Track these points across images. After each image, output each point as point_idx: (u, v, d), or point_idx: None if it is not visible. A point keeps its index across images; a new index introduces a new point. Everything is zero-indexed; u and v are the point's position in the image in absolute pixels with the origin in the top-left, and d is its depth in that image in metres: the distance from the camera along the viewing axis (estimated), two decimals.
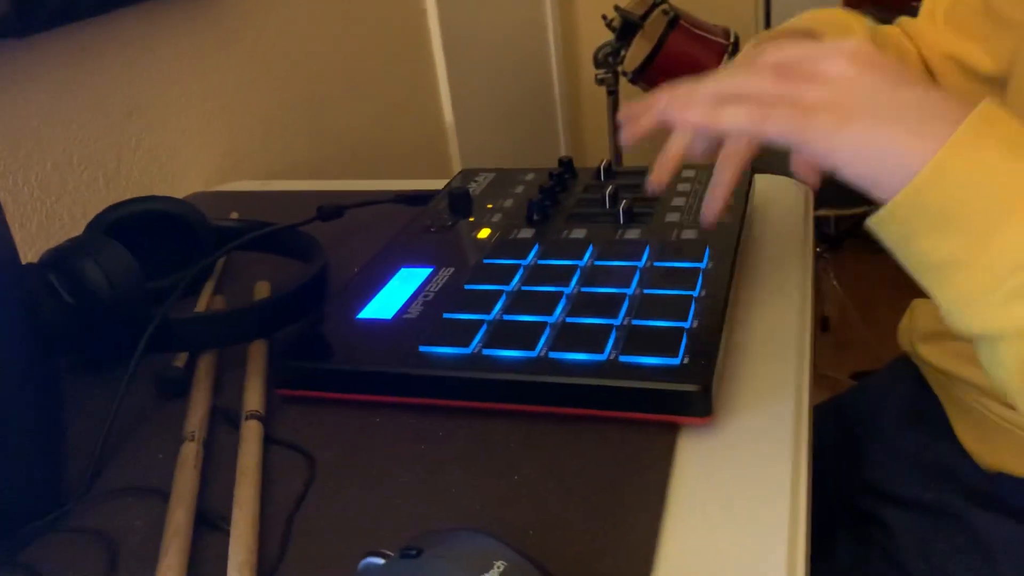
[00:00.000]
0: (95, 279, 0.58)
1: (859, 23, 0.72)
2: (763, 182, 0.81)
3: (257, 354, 0.61)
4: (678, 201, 0.71)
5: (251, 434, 0.52)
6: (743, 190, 0.71)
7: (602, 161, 0.79)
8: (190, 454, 0.51)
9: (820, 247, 2.24)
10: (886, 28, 0.78)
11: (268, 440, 0.53)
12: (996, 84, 0.68)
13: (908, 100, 0.42)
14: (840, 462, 0.77)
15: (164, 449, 0.53)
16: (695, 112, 0.45)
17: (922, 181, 0.39)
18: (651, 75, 1.83)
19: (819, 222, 2.19)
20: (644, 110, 0.51)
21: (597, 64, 1.85)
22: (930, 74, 0.74)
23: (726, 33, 1.82)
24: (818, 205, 0.93)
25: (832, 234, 2.24)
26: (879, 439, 0.77)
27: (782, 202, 0.78)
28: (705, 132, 0.46)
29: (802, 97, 0.42)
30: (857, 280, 2.18)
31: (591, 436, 0.50)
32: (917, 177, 0.39)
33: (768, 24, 2.41)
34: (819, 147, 0.42)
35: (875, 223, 0.42)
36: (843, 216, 2.23)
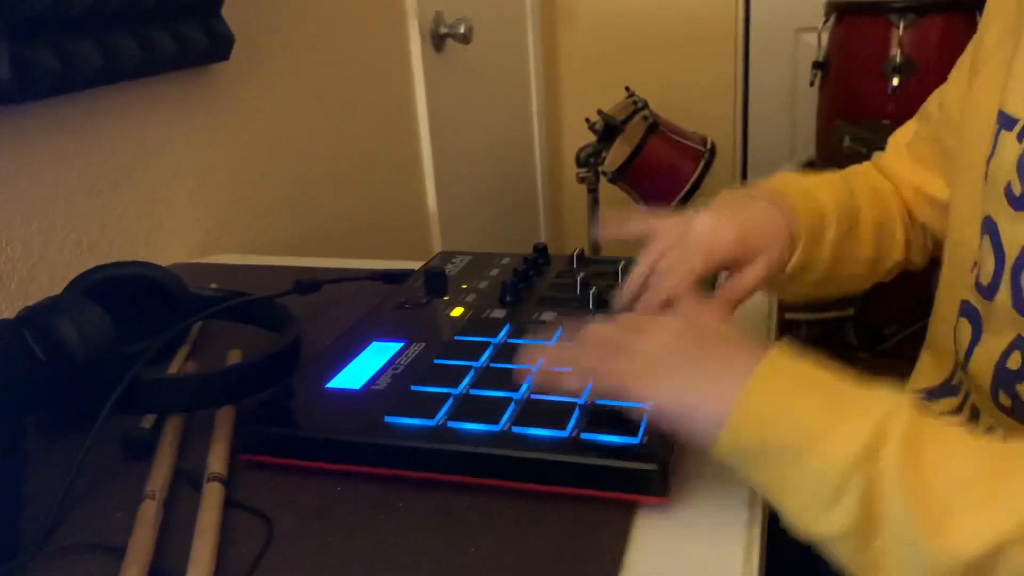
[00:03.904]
0: (69, 338, 0.59)
1: (822, 187, 0.73)
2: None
3: (224, 419, 0.61)
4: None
5: (211, 495, 0.52)
6: (708, 283, 0.73)
7: (576, 249, 0.82)
8: (149, 512, 0.51)
9: None
10: (858, 168, 0.82)
11: (229, 503, 0.53)
12: None
13: (709, 356, 0.50)
14: (796, 559, 0.77)
15: (124, 508, 0.53)
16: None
17: (728, 430, 0.46)
18: (630, 176, 1.89)
19: (790, 326, 2.23)
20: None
21: (579, 164, 1.91)
22: (905, 205, 0.78)
23: (703, 140, 1.89)
24: (789, 309, 0.96)
25: (804, 338, 2.28)
26: None
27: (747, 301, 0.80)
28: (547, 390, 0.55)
29: (623, 362, 0.51)
30: None
31: (550, 512, 0.50)
32: (723, 427, 0.46)
33: (745, 130, 2.50)
34: (641, 399, 0.50)
35: (713, 456, 0.48)
36: (813, 321, 2.27)
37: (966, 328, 0.64)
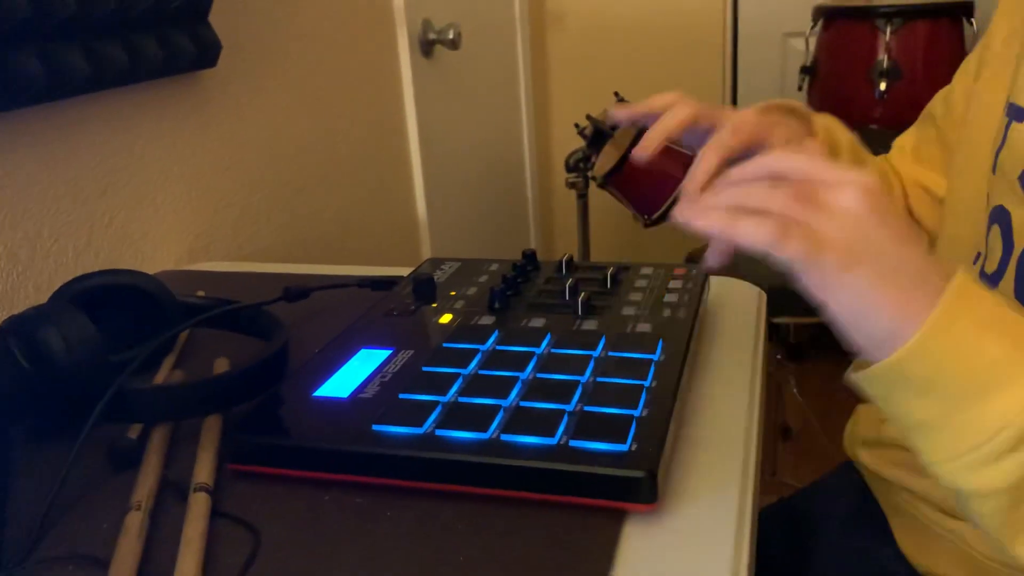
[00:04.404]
0: (54, 346, 0.59)
1: (842, 131, 0.75)
2: (718, 284, 0.83)
3: (211, 428, 0.61)
4: (635, 296, 0.73)
5: (198, 506, 0.52)
6: (697, 289, 0.73)
7: (564, 255, 0.82)
8: (134, 523, 0.50)
9: (780, 354, 2.27)
10: (878, 159, 0.83)
11: (215, 513, 0.53)
12: None
13: (905, 259, 0.44)
14: (787, 564, 0.77)
15: (110, 519, 0.53)
16: (714, 218, 0.47)
17: (907, 353, 0.42)
18: (619, 181, 1.88)
19: (778, 328, 2.23)
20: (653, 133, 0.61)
21: (568, 169, 1.91)
22: (907, 200, 0.80)
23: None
24: (776, 312, 0.97)
25: (791, 342, 2.28)
26: (824, 542, 0.77)
27: (736, 304, 0.81)
28: (721, 239, 0.47)
29: (817, 226, 0.44)
30: (819, 389, 2.21)
31: (538, 521, 0.50)
32: (902, 349, 0.42)
33: None
34: (821, 282, 0.44)
35: (861, 380, 0.44)
36: (801, 324, 2.28)
37: None
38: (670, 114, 0.60)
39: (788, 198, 0.45)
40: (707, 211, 0.47)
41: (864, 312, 0.44)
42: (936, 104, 0.78)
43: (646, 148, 0.58)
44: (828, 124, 0.73)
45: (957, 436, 0.41)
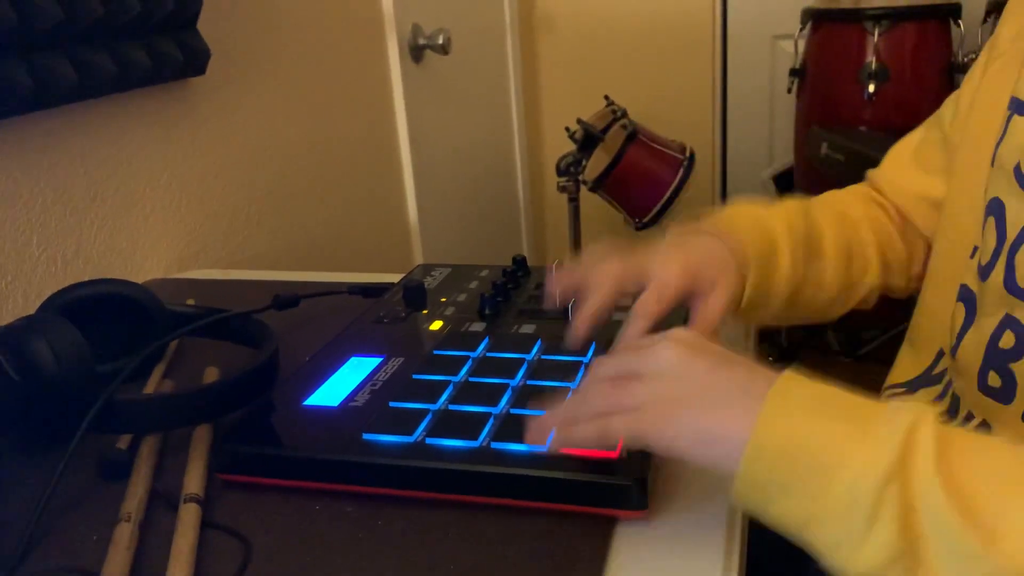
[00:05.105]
0: (43, 357, 0.59)
1: (774, 216, 0.72)
2: None
3: (201, 438, 0.61)
4: (625, 302, 0.73)
5: (188, 517, 0.52)
6: (681, 321, 0.73)
7: (555, 260, 0.82)
8: (124, 535, 0.50)
9: (772, 355, 2.27)
10: (826, 196, 0.81)
11: (206, 524, 0.53)
12: None
13: (725, 382, 0.47)
14: (779, 569, 0.77)
15: (100, 530, 0.52)
16: (557, 439, 0.51)
17: (747, 460, 0.44)
18: (610, 184, 1.89)
19: (770, 330, 2.24)
20: None
21: (560, 173, 1.91)
22: (902, 216, 0.79)
23: (682, 148, 1.90)
24: None
25: (783, 344, 2.29)
26: None
27: None
28: (569, 445, 0.51)
29: (632, 400, 0.48)
30: None
31: (529, 528, 0.50)
32: (743, 457, 0.44)
33: (724, 137, 2.52)
34: (658, 441, 0.47)
35: (735, 499, 0.46)
36: (793, 326, 2.28)
37: (960, 313, 0.64)
38: (592, 297, 0.61)
39: (605, 389, 0.50)
40: (548, 433, 0.51)
41: (707, 443, 0.46)
42: (946, 107, 0.77)
43: (577, 338, 0.61)
44: (756, 219, 0.70)
45: (831, 523, 0.42)
